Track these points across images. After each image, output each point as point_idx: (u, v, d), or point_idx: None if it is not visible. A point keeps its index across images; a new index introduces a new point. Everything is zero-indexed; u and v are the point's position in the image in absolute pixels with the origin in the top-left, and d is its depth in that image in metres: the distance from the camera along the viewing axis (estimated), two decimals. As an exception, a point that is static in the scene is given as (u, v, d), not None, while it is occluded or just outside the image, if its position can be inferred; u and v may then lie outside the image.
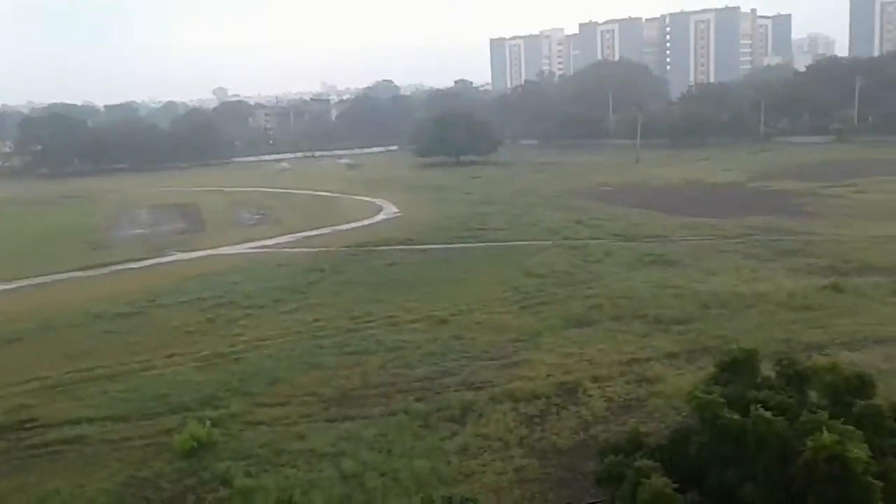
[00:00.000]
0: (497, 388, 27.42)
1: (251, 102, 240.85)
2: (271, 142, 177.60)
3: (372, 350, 32.48)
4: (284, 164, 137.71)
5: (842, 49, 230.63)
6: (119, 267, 53.58)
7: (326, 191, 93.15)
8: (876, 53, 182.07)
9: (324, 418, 25.80)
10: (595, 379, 27.83)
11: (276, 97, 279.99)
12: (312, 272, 48.11)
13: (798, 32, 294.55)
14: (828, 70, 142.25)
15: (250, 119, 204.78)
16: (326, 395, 27.70)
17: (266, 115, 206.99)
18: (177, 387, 29.05)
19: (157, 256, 56.78)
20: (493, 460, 22.21)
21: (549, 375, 28.43)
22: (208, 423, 24.63)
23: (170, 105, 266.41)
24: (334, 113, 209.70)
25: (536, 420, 24.86)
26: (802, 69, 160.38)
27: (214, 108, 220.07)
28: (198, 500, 20.90)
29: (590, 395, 26.51)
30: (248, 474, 21.85)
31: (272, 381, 29.38)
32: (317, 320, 37.37)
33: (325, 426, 25.14)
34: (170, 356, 32.92)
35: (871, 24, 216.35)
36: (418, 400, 26.69)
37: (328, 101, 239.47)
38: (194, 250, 58.74)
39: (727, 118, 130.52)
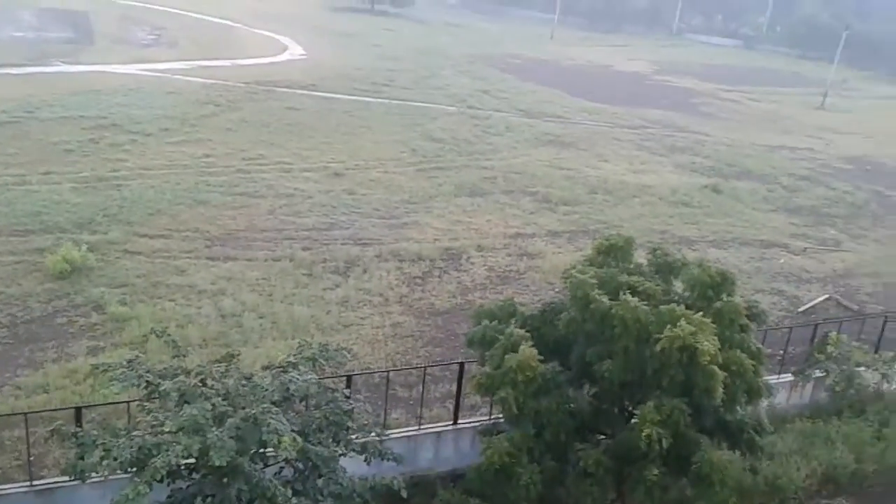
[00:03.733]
0: (384, 246, 27.83)
1: None
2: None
3: (262, 194, 32.00)
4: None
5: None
6: (-7, 71, 49.48)
7: (229, 20, 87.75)
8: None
9: (205, 256, 25.54)
10: (480, 248, 28.68)
11: None
12: (206, 105, 46.03)
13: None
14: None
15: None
16: (210, 234, 27.32)
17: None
18: (52, 206, 27.84)
19: (39, 65, 52.51)
20: (372, 314, 22.84)
21: (435, 240, 29.05)
22: (84, 246, 23.92)
23: None
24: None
25: (418, 281, 25.55)
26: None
27: None
28: (69, 322, 20.58)
29: (472, 263, 27.38)
30: (123, 303, 21.59)
31: (154, 212, 28.61)
32: (206, 156, 36.22)
33: (206, 263, 24.93)
34: (46, 173, 31.30)
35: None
36: (304, 249, 26.79)
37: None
38: (80, 63, 54.72)
39: (645, 6, 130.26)
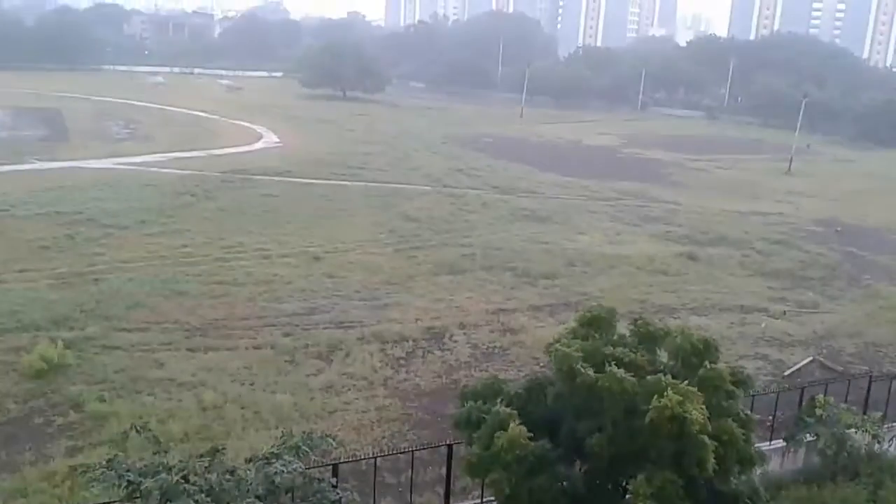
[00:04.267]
0: (366, 328, 27.69)
1: (127, 7, 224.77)
2: (146, 52, 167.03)
3: (241, 281, 31.89)
4: (159, 78, 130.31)
5: (722, 29, 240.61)
6: (-32, 170, 49.59)
7: (203, 111, 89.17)
8: (752, 37, 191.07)
9: (185, 347, 25.23)
10: (462, 326, 28.61)
11: (156, 4, 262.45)
12: (183, 195, 46.33)
13: (683, 8, 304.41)
14: (706, 48, 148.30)
15: (125, 25, 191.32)
16: (190, 324, 27.06)
17: (143, 23, 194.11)
18: (28, 304, 27.52)
19: (14, 163, 52.87)
20: (357, 399, 22.53)
21: (417, 319, 28.97)
22: (61, 344, 23.57)
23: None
24: (217, 30, 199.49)
25: (402, 362, 25.34)
26: (683, 44, 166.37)
27: (86, 9, 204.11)
28: (46, 422, 20.07)
29: (455, 341, 27.25)
30: (102, 399, 21.14)
31: (132, 305, 28.36)
32: (184, 246, 36.22)
33: (186, 355, 24.60)
34: (22, 271, 31.11)
35: (750, 7, 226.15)
36: (286, 335, 26.58)
37: (212, 16, 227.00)
38: (55, 160, 55.10)
39: (609, 83, 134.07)
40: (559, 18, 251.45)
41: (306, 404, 21.83)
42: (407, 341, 26.78)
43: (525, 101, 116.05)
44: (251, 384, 22.82)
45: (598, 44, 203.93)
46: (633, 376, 12.96)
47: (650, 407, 12.06)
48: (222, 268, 33.45)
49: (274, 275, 32.96)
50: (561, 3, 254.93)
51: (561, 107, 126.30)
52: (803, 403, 20.51)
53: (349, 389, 23.06)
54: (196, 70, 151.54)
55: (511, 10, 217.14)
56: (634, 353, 14.25)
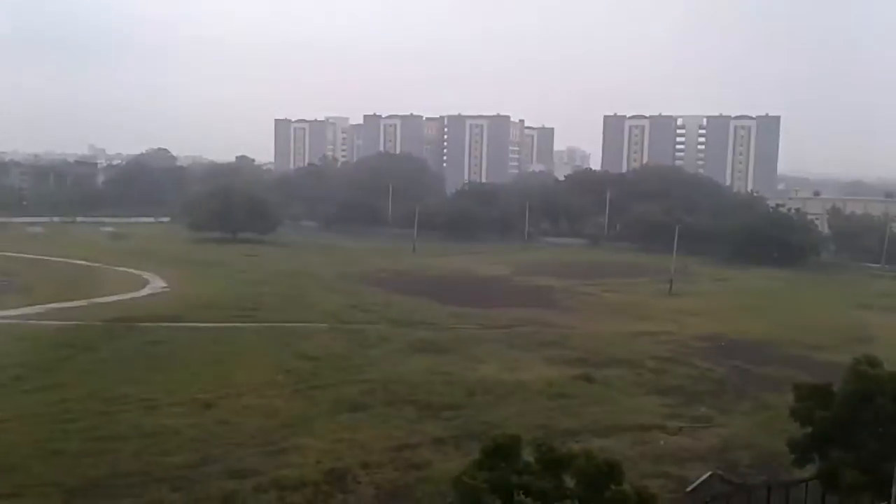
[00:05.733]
0: (263, 476, 26.37)
1: (5, 159, 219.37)
2: (24, 203, 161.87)
3: (125, 435, 30.00)
4: (38, 229, 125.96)
5: (596, 163, 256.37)
6: None
7: (84, 260, 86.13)
8: (624, 169, 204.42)
9: (63, 512, 23.19)
10: (365, 465, 27.69)
11: (36, 155, 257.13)
12: (62, 348, 43.87)
13: (559, 144, 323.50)
14: (583, 181, 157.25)
15: (2, 176, 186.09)
16: (69, 485, 25.06)
17: (22, 173, 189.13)
18: None
19: None
20: (254, 556, 21.08)
21: (318, 462, 27.88)
22: (-83, 520, 21.20)
23: None
24: (101, 178, 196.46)
25: (302, 510, 24.08)
26: (562, 178, 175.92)
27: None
28: None
29: (359, 482, 26.29)
30: (-37, 580, 18.93)
31: (5, 469, 26.10)
32: (63, 401, 33.99)
33: (63, 521, 22.57)
34: None
35: (620, 142, 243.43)
36: (175, 490, 24.96)
37: (95, 164, 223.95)
38: (-83, 318, 51.46)
39: (496, 217, 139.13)
40: (444, 158, 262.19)
41: (199, 565, 20.21)
42: (307, 486, 25.62)
43: (417, 235, 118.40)
44: (137, 548, 21.02)
45: (483, 180, 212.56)
46: None
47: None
48: (105, 422, 31.46)
49: (162, 426, 31.21)
50: (445, 144, 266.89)
51: (452, 240, 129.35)
52: (709, 518, 20.64)
53: (246, 545, 21.58)
54: (78, 219, 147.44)
55: (398, 150, 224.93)
56: (541, 479, 14.12)
